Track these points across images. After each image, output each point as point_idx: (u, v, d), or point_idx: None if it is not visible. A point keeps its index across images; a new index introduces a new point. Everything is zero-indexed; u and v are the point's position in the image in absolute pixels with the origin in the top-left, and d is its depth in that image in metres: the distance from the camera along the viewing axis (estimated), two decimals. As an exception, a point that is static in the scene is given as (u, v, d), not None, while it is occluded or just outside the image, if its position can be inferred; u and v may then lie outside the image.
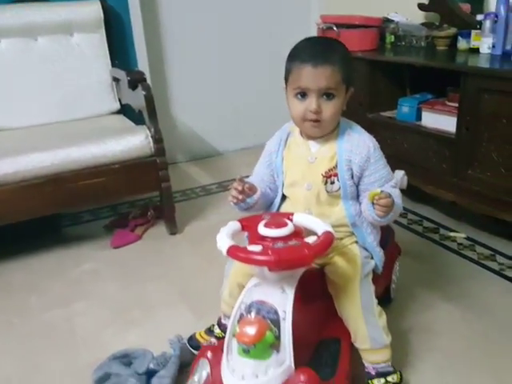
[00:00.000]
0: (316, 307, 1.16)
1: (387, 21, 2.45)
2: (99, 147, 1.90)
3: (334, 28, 2.35)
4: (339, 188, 1.17)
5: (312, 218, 1.06)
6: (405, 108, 2.15)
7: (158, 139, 1.97)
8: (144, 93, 1.98)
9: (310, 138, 1.19)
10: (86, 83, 2.35)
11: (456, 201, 1.94)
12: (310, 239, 0.96)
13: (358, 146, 1.15)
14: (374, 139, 1.20)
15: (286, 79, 1.16)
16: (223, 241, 0.98)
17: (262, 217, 1.07)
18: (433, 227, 2.09)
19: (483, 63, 1.91)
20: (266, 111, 3.11)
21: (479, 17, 2.08)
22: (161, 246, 2.05)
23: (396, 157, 2.17)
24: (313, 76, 1.08)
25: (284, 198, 1.26)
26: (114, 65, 2.42)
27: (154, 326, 1.53)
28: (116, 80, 2.38)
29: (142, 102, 2.03)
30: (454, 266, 1.80)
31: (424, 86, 2.22)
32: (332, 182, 1.16)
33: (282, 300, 0.98)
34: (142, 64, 2.68)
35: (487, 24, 1.98)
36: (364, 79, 2.26)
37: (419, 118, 2.10)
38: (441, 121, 1.98)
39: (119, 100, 2.43)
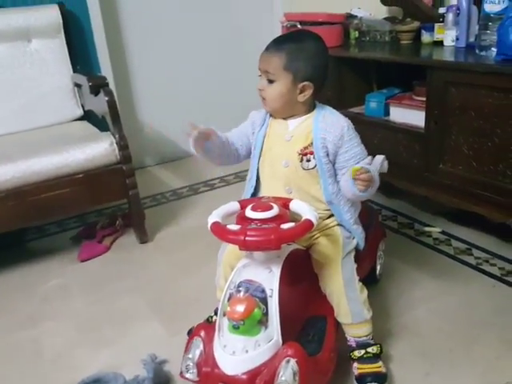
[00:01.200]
0: (302, 286, 1.23)
1: (351, 16, 2.44)
2: (62, 157, 1.82)
3: (299, 26, 2.32)
4: (315, 165, 1.22)
5: (305, 205, 1.09)
6: (372, 104, 2.13)
7: (123, 146, 1.90)
8: (106, 98, 1.91)
9: (288, 117, 1.26)
10: (46, 90, 2.26)
11: (428, 195, 1.94)
12: (288, 225, 1.01)
13: (332, 124, 1.22)
14: (349, 120, 1.27)
15: None
16: (211, 217, 1.07)
17: (260, 197, 1.18)
18: (407, 222, 2.09)
19: (448, 56, 1.91)
20: (236, 110, 3.02)
21: (442, 10, 2.08)
22: (131, 256, 1.98)
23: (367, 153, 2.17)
24: (263, 58, 1.22)
25: (262, 174, 1.31)
26: (75, 70, 2.34)
27: (126, 345, 1.47)
28: (78, 86, 2.30)
29: (104, 107, 1.96)
30: (432, 262, 1.80)
31: (391, 81, 2.20)
32: (308, 160, 1.22)
33: (269, 279, 1.05)
34: (105, 68, 2.60)
35: (450, 17, 1.97)
36: (331, 76, 2.21)
37: (387, 113, 2.08)
38: (409, 115, 1.97)
39: (82, 106, 2.36)
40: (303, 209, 1.08)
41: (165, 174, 2.89)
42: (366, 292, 1.25)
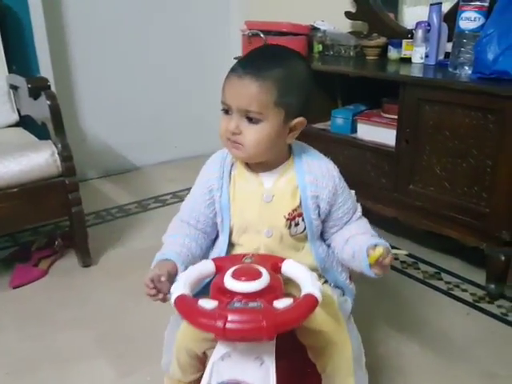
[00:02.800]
0: (297, 370, 0.96)
1: (314, 29, 2.36)
2: (-7, 168, 1.58)
3: (261, 35, 2.21)
4: (304, 229, 0.97)
5: (303, 269, 0.82)
6: (339, 120, 2.05)
7: (66, 156, 1.69)
8: (48, 102, 1.68)
9: (259, 169, 0.96)
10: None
11: (397, 216, 1.86)
12: (283, 302, 0.74)
13: (322, 177, 0.95)
14: (334, 164, 1.02)
15: None
16: (176, 286, 0.78)
17: (241, 257, 0.87)
18: (372, 244, 2.00)
19: (419, 73, 1.85)
20: (188, 121, 2.91)
21: (410, 26, 2.04)
22: (72, 281, 1.75)
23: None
24: (235, 90, 0.87)
25: (231, 247, 1.01)
26: (11, 71, 2.11)
27: None
28: (14, 88, 2.06)
29: (45, 112, 1.74)
30: (400, 287, 1.71)
31: (356, 97, 2.14)
32: (297, 224, 0.96)
33: (263, 376, 0.76)
34: (45, 70, 2.35)
35: (419, 33, 1.93)
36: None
37: (354, 130, 2.01)
38: (378, 133, 1.90)
39: (18, 111, 2.11)
40: (301, 275, 0.81)
41: (110, 187, 2.65)
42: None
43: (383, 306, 1.60)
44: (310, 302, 0.74)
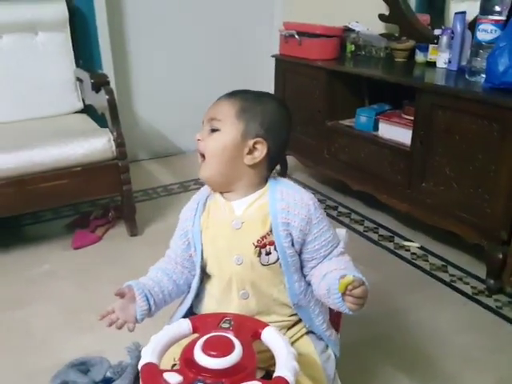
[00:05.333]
0: None
1: (348, 30, 2.52)
2: (62, 150, 1.90)
3: (296, 36, 2.39)
4: (278, 259, 0.94)
5: (281, 340, 0.78)
6: (363, 118, 2.22)
7: (120, 143, 1.98)
8: (107, 97, 1.98)
9: (232, 197, 0.96)
10: (49, 82, 2.33)
11: (409, 212, 2.02)
12: None
13: (295, 204, 0.93)
14: (313, 196, 0.97)
15: None
16: (144, 352, 0.77)
17: (220, 319, 0.83)
18: (388, 235, 2.17)
19: (439, 79, 2.00)
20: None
21: (437, 31, 2.16)
22: (120, 247, 2.06)
23: (353, 165, 2.27)
24: (210, 107, 0.97)
25: (207, 277, 1.01)
26: (78, 65, 2.41)
27: (111, 332, 1.52)
28: (80, 80, 2.36)
29: (104, 104, 2.03)
30: (406, 276, 1.88)
31: (382, 96, 2.29)
32: (268, 253, 0.93)
33: None
34: (107, 64, 2.67)
35: (444, 39, 2.06)
36: (323, 87, 2.32)
37: (376, 128, 2.17)
38: (397, 133, 2.06)
39: (83, 100, 2.42)
40: (278, 350, 0.77)
41: (157, 169, 2.96)
42: None
43: (386, 290, 1.77)
44: None
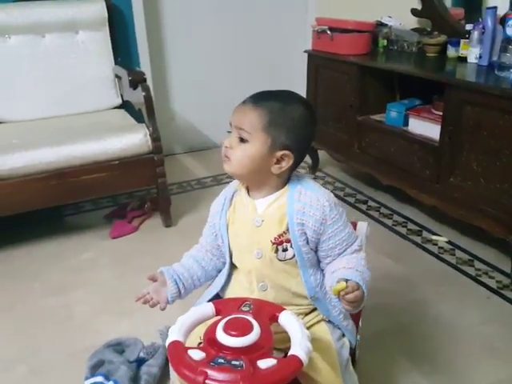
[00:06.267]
0: None
1: (381, 25, 2.52)
2: (101, 145, 2.00)
3: (328, 32, 2.42)
4: (294, 255, 1.00)
5: (297, 325, 0.84)
6: (393, 113, 2.23)
7: (155, 138, 2.07)
8: (144, 93, 2.08)
9: (257, 196, 1.03)
10: (89, 79, 2.45)
11: (437, 206, 2.04)
12: (267, 363, 0.76)
13: (310, 206, 0.98)
14: (332, 195, 1.02)
15: None
16: (172, 331, 0.84)
17: (241, 303, 0.90)
18: (416, 229, 2.19)
19: (468, 74, 2.00)
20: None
21: (468, 26, 2.15)
22: (156, 237, 2.17)
23: (383, 159, 2.29)
24: (238, 112, 0.99)
25: (235, 266, 1.09)
26: (116, 62, 2.51)
27: (145, 316, 1.62)
28: (118, 77, 2.47)
29: (141, 100, 2.12)
30: (432, 270, 1.91)
31: (413, 91, 2.29)
32: (284, 250, 1.00)
33: None
34: (144, 61, 2.78)
35: (475, 34, 2.06)
36: (355, 82, 2.35)
37: (406, 123, 2.18)
38: (426, 128, 2.07)
39: (121, 96, 2.52)
40: (293, 331, 0.83)
41: (191, 162, 3.06)
42: None
43: (411, 282, 1.81)
44: (293, 365, 0.75)
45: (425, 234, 2.15)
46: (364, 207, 2.42)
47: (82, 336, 1.57)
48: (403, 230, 2.19)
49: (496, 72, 1.86)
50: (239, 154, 0.97)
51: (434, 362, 1.45)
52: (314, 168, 2.85)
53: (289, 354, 0.78)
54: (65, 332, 1.60)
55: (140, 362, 1.39)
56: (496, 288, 1.78)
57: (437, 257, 1.99)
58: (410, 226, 2.23)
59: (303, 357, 0.76)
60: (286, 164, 0.98)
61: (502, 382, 1.38)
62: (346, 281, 0.92)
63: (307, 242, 1.00)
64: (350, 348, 1.07)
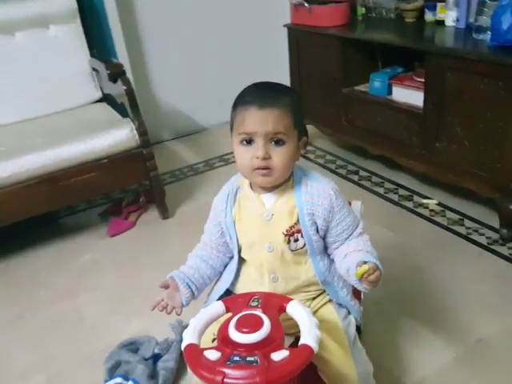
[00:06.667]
0: None
1: (358, -7, 2.50)
2: (87, 144, 1.98)
3: (305, 4, 2.40)
4: (304, 244, 1.04)
5: (305, 314, 0.88)
6: (376, 83, 2.24)
7: (142, 131, 2.05)
8: (125, 87, 2.05)
9: (262, 191, 1.05)
10: (66, 75, 2.38)
11: (426, 172, 2.08)
12: (280, 355, 0.80)
13: (318, 196, 1.03)
14: (333, 183, 1.07)
15: (231, 126, 1.03)
16: (186, 334, 0.88)
17: (249, 298, 0.94)
18: (407, 195, 2.24)
19: (446, 40, 2.01)
20: (248, 83, 3.16)
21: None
22: (154, 231, 2.18)
23: (370, 130, 2.31)
24: (259, 118, 0.95)
25: (243, 260, 1.12)
26: (92, 55, 2.45)
27: (155, 313, 1.63)
28: (96, 70, 2.41)
29: (122, 92, 2.08)
30: (425, 233, 1.96)
31: (396, 58, 2.29)
32: (296, 240, 1.04)
33: None
34: (120, 50, 2.72)
35: (451, -3, 2.04)
36: (337, 55, 2.34)
37: (390, 92, 2.19)
38: (410, 96, 2.08)
39: (101, 89, 2.47)
40: (301, 320, 0.87)
41: (181, 148, 3.05)
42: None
43: (406, 247, 1.87)
44: (305, 354, 0.80)
45: (416, 198, 2.20)
46: (356, 178, 2.45)
47: (95, 339, 1.61)
48: (395, 197, 2.23)
49: (473, 35, 1.87)
50: (282, 159, 0.97)
51: (434, 323, 1.51)
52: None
53: (299, 343, 0.82)
54: (77, 336, 1.63)
55: (156, 358, 1.43)
56: (486, 244, 1.85)
57: (428, 220, 2.04)
58: (401, 192, 2.27)
59: (313, 345, 0.81)
60: (303, 150, 1.04)
61: (497, 336, 1.45)
62: (365, 263, 0.96)
63: (317, 231, 1.04)
64: (356, 325, 1.11)
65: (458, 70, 1.80)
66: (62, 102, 2.38)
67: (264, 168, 0.97)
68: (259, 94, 0.99)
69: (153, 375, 1.38)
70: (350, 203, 1.21)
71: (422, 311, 1.57)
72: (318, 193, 1.03)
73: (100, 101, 2.48)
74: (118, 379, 1.36)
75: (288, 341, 1.04)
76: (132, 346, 1.48)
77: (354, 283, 1.01)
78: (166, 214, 2.24)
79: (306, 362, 0.80)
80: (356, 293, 1.16)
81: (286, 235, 1.03)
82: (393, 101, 2.17)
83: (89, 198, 2.37)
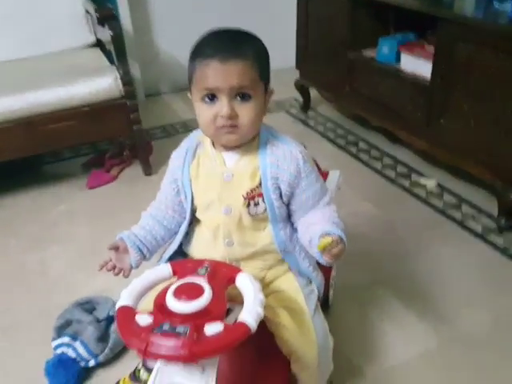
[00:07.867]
0: (252, 371, 0.96)
1: None
2: (67, 90, 1.88)
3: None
4: (265, 209, 0.96)
5: (251, 286, 0.81)
6: (385, 48, 2.08)
7: (127, 81, 1.94)
8: (111, 33, 1.91)
9: (224, 149, 0.96)
10: (58, 16, 2.26)
11: (426, 149, 1.95)
12: (213, 328, 0.73)
13: (284, 159, 0.94)
14: (303, 147, 0.98)
15: (190, 80, 0.93)
16: (122, 295, 0.82)
17: (199, 265, 0.87)
18: (405, 172, 2.11)
19: (463, 7, 1.82)
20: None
21: None
22: (135, 187, 2.09)
23: (374, 99, 2.16)
24: (222, 73, 0.85)
25: (198, 221, 1.04)
26: (85, -5, 2.30)
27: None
28: (89, 13, 2.27)
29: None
30: (418, 216, 1.84)
31: (409, 23, 2.11)
32: (256, 204, 0.95)
33: (204, 382, 0.77)
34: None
35: (476, -41, 1.85)
36: (345, 16, 2.16)
37: (399, 59, 2.03)
38: (419, 65, 1.93)
39: (95, 33, 2.34)
40: (247, 295, 0.80)
41: (177, 103, 2.90)
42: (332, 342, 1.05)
43: (394, 232, 1.76)
44: (240, 332, 0.74)
45: (414, 177, 2.07)
46: (354, 150, 2.32)
47: (56, 293, 1.55)
48: (392, 174, 2.10)
49: (494, 4, 1.69)
50: (249, 116, 0.88)
51: (419, 308, 1.44)
52: (306, 107, 2.72)
53: (237, 319, 0.76)
54: (39, 289, 1.57)
55: (110, 320, 1.36)
56: (480, 232, 1.74)
57: (423, 201, 1.92)
58: (400, 168, 2.14)
59: (251, 323, 0.74)
60: (268, 101, 0.94)
61: (485, 326, 1.38)
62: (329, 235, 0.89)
63: (280, 196, 0.97)
64: (318, 296, 1.06)
65: (472, 42, 1.63)
66: (52, 44, 2.27)
67: (230, 126, 0.88)
68: (220, 45, 0.88)
69: (103, 338, 1.31)
70: (326, 173, 1.11)
71: (405, 295, 1.48)
72: (285, 155, 0.94)
73: (95, 45, 2.35)
74: (66, 338, 1.30)
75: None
76: (87, 306, 1.41)
77: (315, 255, 0.94)
78: (149, 170, 2.15)
79: (239, 339, 0.73)
80: (326, 268, 1.09)
81: (245, 198, 0.95)
82: (400, 70, 2.01)
83: (67, 146, 2.27)
